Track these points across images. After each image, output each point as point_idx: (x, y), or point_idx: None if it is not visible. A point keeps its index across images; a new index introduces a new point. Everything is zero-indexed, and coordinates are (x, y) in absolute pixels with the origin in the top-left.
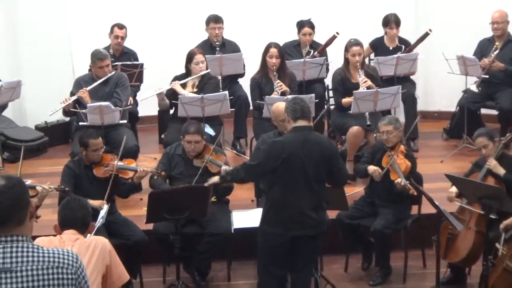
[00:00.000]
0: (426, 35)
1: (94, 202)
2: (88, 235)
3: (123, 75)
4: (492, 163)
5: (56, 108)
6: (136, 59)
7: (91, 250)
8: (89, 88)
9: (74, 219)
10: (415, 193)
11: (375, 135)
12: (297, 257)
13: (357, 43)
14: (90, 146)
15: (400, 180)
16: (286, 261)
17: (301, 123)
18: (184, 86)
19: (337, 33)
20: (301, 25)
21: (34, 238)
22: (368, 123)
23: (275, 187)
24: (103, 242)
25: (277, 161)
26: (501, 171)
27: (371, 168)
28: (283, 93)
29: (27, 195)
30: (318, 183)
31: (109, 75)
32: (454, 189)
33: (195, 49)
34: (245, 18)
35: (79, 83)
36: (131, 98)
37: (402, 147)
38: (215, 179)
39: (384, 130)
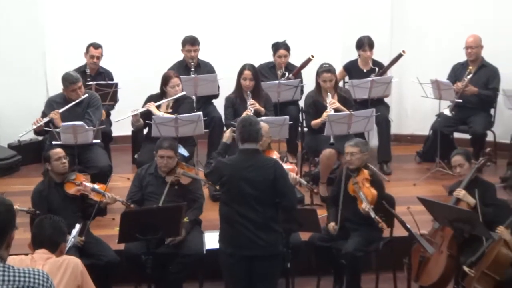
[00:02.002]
0: (399, 56)
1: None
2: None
3: (95, 95)
4: (461, 194)
5: (27, 129)
6: (111, 79)
7: (62, 270)
8: (61, 110)
9: (44, 238)
10: (385, 227)
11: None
12: (254, 278)
13: (328, 69)
14: (52, 157)
15: (365, 206)
16: (245, 282)
17: (247, 146)
18: (158, 106)
19: (312, 56)
20: (276, 47)
21: None
22: (331, 141)
23: (222, 205)
24: (75, 262)
25: (218, 180)
26: (471, 200)
27: (329, 226)
28: (257, 113)
29: (13, 222)
30: (264, 206)
31: (82, 97)
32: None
33: (171, 72)
34: (220, 39)
35: (51, 104)
36: (104, 113)
37: (366, 173)
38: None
39: (348, 151)
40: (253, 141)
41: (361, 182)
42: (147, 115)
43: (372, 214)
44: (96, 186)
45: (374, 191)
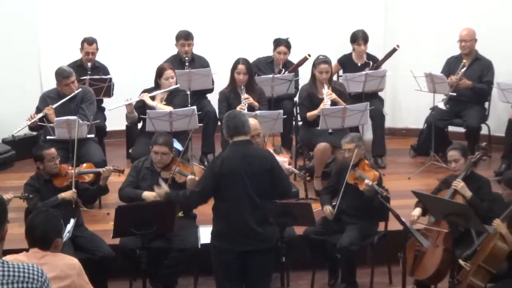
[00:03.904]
0: (393, 51)
1: (65, 194)
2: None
3: (88, 90)
4: (459, 185)
5: (21, 125)
6: (107, 73)
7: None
8: (55, 105)
9: (35, 238)
10: (389, 195)
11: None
12: (249, 273)
13: (325, 61)
14: (46, 157)
15: (368, 181)
16: (239, 278)
17: (238, 138)
18: (153, 99)
19: (309, 55)
20: (277, 43)
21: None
22: (330, 131)
23: (219, 201)
24: (74, 263)
25: (218, 177)
26: (467, 193)
27: (325, 208)
28: (251, 108)
29: (5, 215)
30: (261, 198)
31: (76, 92)
32: (416, 212)
33: (165, 64)
34: (214, 33)
35: (45, 99)
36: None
37: (366, 162)
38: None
39: (346, 148)
40: (241, 134)
41: (361, 168)
42: (141, 109)
43: (376, 187)
44: (83, 168)
45: (376, 172)
